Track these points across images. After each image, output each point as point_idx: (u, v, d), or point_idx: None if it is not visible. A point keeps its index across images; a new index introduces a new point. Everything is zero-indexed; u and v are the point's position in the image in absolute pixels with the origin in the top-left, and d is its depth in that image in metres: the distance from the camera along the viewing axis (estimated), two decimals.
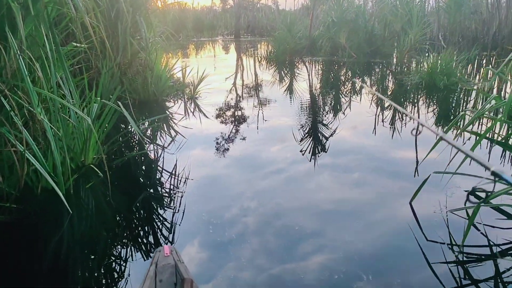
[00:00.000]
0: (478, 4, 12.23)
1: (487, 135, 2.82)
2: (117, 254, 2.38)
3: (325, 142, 4.36)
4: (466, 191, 2.89)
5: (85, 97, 3.67)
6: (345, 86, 8.09)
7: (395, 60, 12.40)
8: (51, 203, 2.85)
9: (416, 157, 3.80)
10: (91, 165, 3.31)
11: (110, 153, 3.74)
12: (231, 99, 6.75)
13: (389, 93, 7.06)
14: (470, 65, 10.08)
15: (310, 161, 3.74)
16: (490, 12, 12.23)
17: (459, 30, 12.06)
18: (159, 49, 6.77)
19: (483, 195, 2.50)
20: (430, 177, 2.81)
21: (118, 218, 2.80)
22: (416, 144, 4.10)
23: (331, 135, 4.60)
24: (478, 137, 3.05)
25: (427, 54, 12.81)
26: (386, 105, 6.14)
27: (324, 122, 5.21)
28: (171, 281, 1.60)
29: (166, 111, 5.90)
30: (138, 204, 2.97)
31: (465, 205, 2.63)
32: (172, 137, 4.63)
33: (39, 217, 2.73)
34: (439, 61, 7.09)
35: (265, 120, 5.34)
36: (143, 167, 3.77)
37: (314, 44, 13.35)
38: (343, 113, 5.67)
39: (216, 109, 5.98)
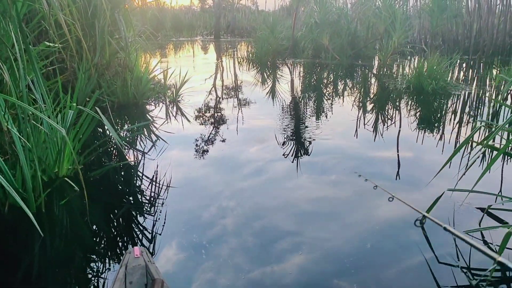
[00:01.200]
0: (460, 8, 12.29)
1: (507, 150, 2.64)
2: (95, 283, 2.09)
3: (307, 145, 4.15)
4: (479, 208, 2.71)
5: (60, 101, 3.35)
6: (328, 89, 7.92)
7: (377, 62, 12.35)
8: (21, 223, 2.53)
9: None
10: (65, 178, 2.99)
11: (88, 163, 3.42)
12: (213, 102, 6.47)
13: (377, 98, 6.89)
14: (455, 69, 10.08)
15: (293, 162, 3.68)
16: (470, 17, 12.31)
17: (441, 33, 12.08)
18: (139, 49, 6.45)
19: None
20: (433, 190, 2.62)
21: (96, 239, 2.50)
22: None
23: (313, 138, 4.43)
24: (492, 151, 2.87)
25: (409, 58, 12.86)
26: (369, 108, 6.00)
27: (307, 125, 5.00)
28: (142, 283, 1.58)
29: (147, 115, 5.59)
30: (118, 221, 2.68)
31: (479, 225, 2.43)
32: (153, 142, 4.36)
33: (7, 240, 2.41)
34: (426, 65, 6.98)
35: (247, 124, 5.12)
36: (123, 178, 3.47)
37: (297, 46, 13.18)
38: (326, 117, 5.48)
39: (199, 113, 5.71)
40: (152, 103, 6.23)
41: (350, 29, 12.57)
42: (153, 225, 2.56)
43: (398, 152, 4.02)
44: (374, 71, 10.82)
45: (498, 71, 9.27)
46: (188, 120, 5.30)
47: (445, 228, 2.01)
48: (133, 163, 3.70)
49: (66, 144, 3.01)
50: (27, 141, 2.64)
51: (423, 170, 3.53)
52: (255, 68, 11.04)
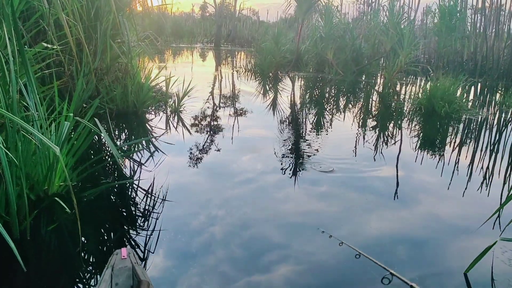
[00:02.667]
0: (466, 30, 12.13)
1: None
2: None
3: (311, 161, 3.84)
4: None
5: (55, 108, 3.01)
6: (332, 106, 7.64)
7: (381, 80, 12.14)
8: (2, 252, 2.17)
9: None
10: (55, 198, 2.63)
11: (82, 179, 3.07)
12: (216, 114, 6.14)
13: (386, 119, 6.61)
14: (463, 91, 9.85)
15: (291, 179, 3.55)
16: (477, 39, 12.16)
17: (447, 54, 11.90)
18: (141, 55, 6.14)
19: None
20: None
21: (88, 275, 2.14)
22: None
23: (315, 154, 4.18)
24: None
25: (412, 77, 12.66)
26: (371, 125, 5.71)
27: (314, 147, 4.69)
28: (128, 284, 1.55)
29: (147, 125, 5.25)
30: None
31: None
32: (151, 153, 4.05)
33: None
34: (438, 86, 6.72)
35: (248, 139, 4.90)
36: (120, 196, 3.11)
37: (300, 59, 12.94)
38: (328, 137, 5.18)
39: (200, 125, 5.40)
40: (152, 112, 5.90)
41: (355, 45, 12.35)
42: (154, 250, 2.26)
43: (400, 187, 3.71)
44: (379, 89, 10.58)
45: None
46: (190, 132, 4.97)
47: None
48: (132, 181, 3.35)
49: (58, 159, 2.67)
50: (14, 155, 2.30)
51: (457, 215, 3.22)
52: (257, 80, 10.76)
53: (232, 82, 10.23)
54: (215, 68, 13.34)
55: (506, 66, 11.83)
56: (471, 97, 9.43)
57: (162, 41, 23.43)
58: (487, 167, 4.21)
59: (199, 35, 29.31)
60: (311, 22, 14.16)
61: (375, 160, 4.25)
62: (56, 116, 2.98)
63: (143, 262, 2.18)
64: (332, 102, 8.22)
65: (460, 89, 7.98)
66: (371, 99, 8.82)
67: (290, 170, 3.79)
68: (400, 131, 5.78)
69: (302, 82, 11.23)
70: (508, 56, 12.00)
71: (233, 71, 12.51)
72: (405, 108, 7.35)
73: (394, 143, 5.04)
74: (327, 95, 9.20)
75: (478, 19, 12.53)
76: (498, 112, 7.60)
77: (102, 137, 4.24)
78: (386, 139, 5.30)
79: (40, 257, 2.22)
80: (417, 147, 4.88)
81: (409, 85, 11.50)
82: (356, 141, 5.02)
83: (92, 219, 2.62)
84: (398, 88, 10.59)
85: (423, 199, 3.28)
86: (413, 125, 6.26)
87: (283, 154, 4.28)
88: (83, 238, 2.37)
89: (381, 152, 4.56)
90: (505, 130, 6.20)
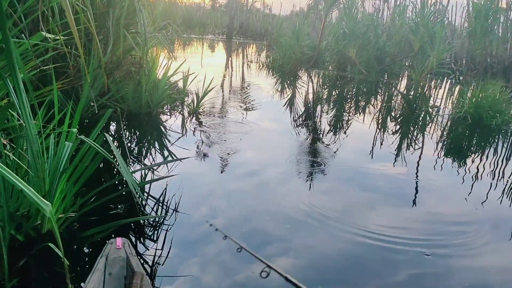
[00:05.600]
0: (504, 30, 11.27)
1: None
2: None
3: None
4: None
5: (54, 116, 2.35)
6: (359, 111, 6.93)
7: (406, 81, 11.39)
8: None
9: None
10: (49, 244, 1.96)
11: (85, 210, 2.40)
12: (238, 116, 5.43)
13: (427, 129, 5.87)
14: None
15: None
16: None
17: (480, 57, 11.09)
18: (157, 47, 5.45)
19: None
20: None
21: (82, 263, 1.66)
22: None
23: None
24: None
25: (439, 80, 11.90)
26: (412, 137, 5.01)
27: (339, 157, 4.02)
28: (121, 275, 1.50)
29: (164, 131, 4.58)
30: None
31: None
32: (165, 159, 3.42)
33: None
34: (486, 93, 6.00)
35: (273, 147, 4.27)
36: (140, 239, 2.45)
37: (321, 56, 12.20)
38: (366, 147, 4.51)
39: (220, 128, 4.74)
40: (168, 113, 5.22)
41: (379, 43, 11.58)
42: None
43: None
44: (408, 92, 9.85)
45: None
46: (209, 138, 4.31)
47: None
48: (148, 217, 2.69)
49: (58, 184, 2.01)
50: None
51: None
52: (277, 76, 10.05)
53: (252, 78, 9.53)
54: (234, 63, 12.61)
55: None
56: None
57: (173, 31, 22.78)
58: None
59: (210, 26, 28.51)
60: (330, 17, 13.42)
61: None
62: (55, 126, 2.33)
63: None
64: (360, 105, 7.50)
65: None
66: (404, 104, 8.08)
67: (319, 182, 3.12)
68: (449, 146, 5.08)
69: (324, 80, 10.52)
70: None
71: (251, 66, 11.77)
72: (445, 116, 6.64)
73: (452, 162, 4.35)
74: (356, 99, 8.48)
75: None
76: None
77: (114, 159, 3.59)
78: (438, 155, 4.60)
79: None
80: (479, 171, 4.18)
81: (437, 88, 10.77)
82: (395, 155, 4.33)
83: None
84: (427, 92, 9.87)
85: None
86: (463, 139, 5.53)
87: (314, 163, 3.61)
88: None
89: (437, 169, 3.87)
90: None
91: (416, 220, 2.86)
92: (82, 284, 1.76)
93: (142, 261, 2.07)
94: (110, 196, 2.24)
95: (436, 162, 4.23)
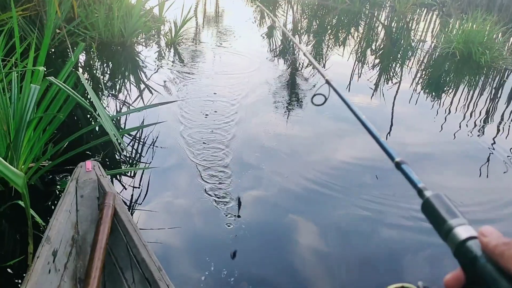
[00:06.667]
0: None
1: None
2: None
3: None
4: None
5: (15, 52, 1.98)
6: (344, 45, 6.62)
7: (390, 12, 10.94)
8: None
9: None
10: (18, 201, 1.71)
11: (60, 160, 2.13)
12: (218, 50, 5.04)
13: (416, 66, 5.63)
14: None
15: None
16: None
17: None
18: None
19: None
20: None
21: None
22: None
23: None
24: None
25: (425, 11, 11.50)
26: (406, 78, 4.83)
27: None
28: (93, 196, 1.49)
29: (139, 62, 4.19)
30: None
31: None
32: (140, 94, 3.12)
33: None
34: (476, 28, 5.75)
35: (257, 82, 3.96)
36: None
37: None
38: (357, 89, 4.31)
39: (203, 61, 4.41)
40: (142, 42, 4.78)
41: None
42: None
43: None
44: (391, 24, 9.49)
45: None
46: (189, 71, 3.98)
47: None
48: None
49: (24, 134, 1.72)
50: None
51: None
52: (256, 3, 9.43)
53: (230, 5, 8.92)
54: None
55: None
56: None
57: None
58: None
59: None
60: None
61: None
62: (17, 61, 1.97)
63: None
64: (344, 40, 7.15)
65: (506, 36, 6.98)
66: (387, 37, 7.76)
67: None
68: (441, 84, 4.92)
69: (305, 10, 9.98)
70: None
71: None
72: (432, 50, 6.42)
73: (444, 97, 4.21)
74: (339, 32, 8.09)
75: None
76: None
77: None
78: (432, 92, 4.44)
79: None
80: (469, 108, 4.06)
81: (424, 21, 10.40)
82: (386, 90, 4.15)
83: None
84: (412, 24, 9.54)
85: None
86: (452, 76, 5.37)
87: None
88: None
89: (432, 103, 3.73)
90: None
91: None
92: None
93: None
94: (89, 145, 1.96)
95: (429, 102, 4.09)
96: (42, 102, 1.89)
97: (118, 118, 2.82)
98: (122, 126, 2.75)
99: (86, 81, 1.71)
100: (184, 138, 2.66)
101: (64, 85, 1.58)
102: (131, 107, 3.10)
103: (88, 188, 1.50)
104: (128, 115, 2.92)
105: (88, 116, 2.80)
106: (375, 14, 10.44)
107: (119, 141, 1.77)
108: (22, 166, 1.95)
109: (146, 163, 2.36)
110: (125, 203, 1.90)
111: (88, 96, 1.85)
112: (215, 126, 2.87)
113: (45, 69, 1.68)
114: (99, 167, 1.58)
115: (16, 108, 1.70)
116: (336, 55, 5.61)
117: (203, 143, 2.62)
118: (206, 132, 2.77)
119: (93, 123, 2.64)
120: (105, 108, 2.45)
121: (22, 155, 1.88)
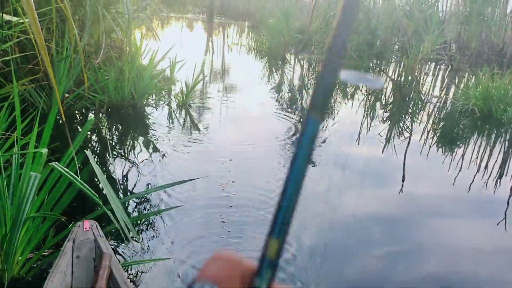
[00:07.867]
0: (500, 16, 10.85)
1: None
2: None
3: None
4: None
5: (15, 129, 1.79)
6: (357, 104, 6.48)
7: (398, 67, 10.97)
8: None
9: None
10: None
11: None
12: (226, 107, 4.89)
13: (430, 123, 5.44)
14: None
15: None
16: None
17: (475, 42, 10.68)
18: (141, 29, 4.84)
19: None
20: None
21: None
22: None
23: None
24: None
25: (433, 65, 11.53)
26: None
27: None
28: (90, 257, 1.49)
29: (149, 125, 4.02)
30: None
31: None
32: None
33: None
34: (495, 84, 5.61)
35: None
36: None
37: (311, 39, 11.63)
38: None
39: (217, 122, 4.24)
40: (153, 104, 4.65)
41: (370, 26, 11.07)
42: None
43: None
44: (399, 79, 9.46)
45: None
46: (199, 130, 3.80)
47: None
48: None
49: (22, 228, 1.48)
50: None
51: None
52: (265, 61, 9.50)
53: (241, 63, 8.97)
54: (222, 48, 11.92)
55: None
56: None
57: (151, 10, 21.74)
58: None
59: (190, 3, 27.45)
60: None
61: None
62: (19, 138, 1.77)
63: None
64: (368, 100, 7.04)
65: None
66: (401, 94, 7.65)
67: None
68: (464, 142, 4.71)
69: (316, 66, 10.02)
70: None
71: (239, 49, 11.13)
72: (449, 108, 6.26)
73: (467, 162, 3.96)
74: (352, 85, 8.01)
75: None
76: None
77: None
78: (453, 156, 4.20)
79: None
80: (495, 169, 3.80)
81: (434, 76, 10.38)
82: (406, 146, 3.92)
83: None
84: (428, 80, 9.51)
85: None
86: (476, 135, 5.14)
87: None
88: None
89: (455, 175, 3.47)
90: None
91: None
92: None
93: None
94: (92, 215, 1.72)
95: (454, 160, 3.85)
96: (44, 187, 1.66)
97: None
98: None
99: (94, 158, 1.49)
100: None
101: (68, 171, 1.36)
102: (142, 179, 2.87)
103: (85, 249, 1.50)
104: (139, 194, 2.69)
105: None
106: (384, 69, 10.48)
107: (130, 230, 1.53)
108: (19, 258, 1.70)
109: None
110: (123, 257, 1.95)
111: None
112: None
113: (47, 152, 1.47)
114: (96, 227, 1.58)
115: (14, 197, 1.47)
116: (344, 108, 5.54)
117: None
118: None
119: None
120: (114, 188, 2.23)
121: (19, 247, 1.63)
